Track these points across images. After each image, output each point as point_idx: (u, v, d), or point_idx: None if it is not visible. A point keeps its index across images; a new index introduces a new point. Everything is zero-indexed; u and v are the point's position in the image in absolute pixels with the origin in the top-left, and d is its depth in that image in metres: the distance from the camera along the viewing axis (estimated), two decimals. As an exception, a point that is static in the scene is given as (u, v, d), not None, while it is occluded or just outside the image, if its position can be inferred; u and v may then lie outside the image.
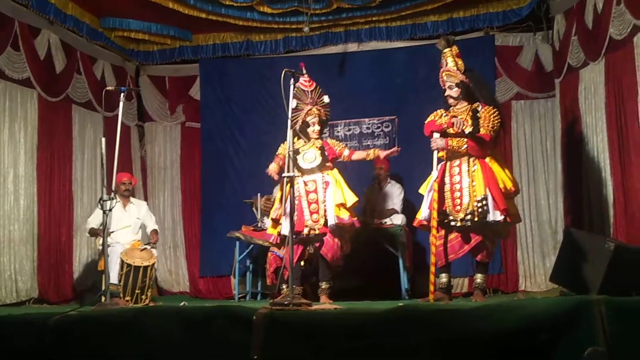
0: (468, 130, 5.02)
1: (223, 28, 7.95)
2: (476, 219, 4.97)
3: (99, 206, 4.56)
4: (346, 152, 5.75)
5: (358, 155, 5.79)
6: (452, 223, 5.09)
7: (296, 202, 5.50)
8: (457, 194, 5.08)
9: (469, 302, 4.94)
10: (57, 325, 3.33)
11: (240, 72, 8.17)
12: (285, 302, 3.62)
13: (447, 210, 5.09)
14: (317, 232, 5.47)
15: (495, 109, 5.12)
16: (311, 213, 5.49)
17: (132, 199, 6.98)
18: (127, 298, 5.69)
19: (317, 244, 5.54)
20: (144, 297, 5.78)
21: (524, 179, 7.39)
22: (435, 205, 5.01)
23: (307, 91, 5.65)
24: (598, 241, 4.88)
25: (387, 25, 7.85)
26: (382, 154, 5.77)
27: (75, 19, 7.05)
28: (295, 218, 5.40)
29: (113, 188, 4.84)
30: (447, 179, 5.14)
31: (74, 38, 7.27)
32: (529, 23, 7.44)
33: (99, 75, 7.74)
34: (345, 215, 5.43)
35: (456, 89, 5.15)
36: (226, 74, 8.20)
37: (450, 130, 5.06)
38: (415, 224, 5.42)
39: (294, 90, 4.50)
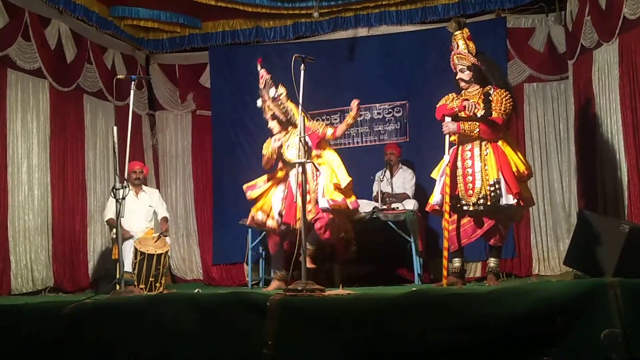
0: (480, 113, 4.98)
1: (232, 15, 7.93)
2: (489, 203, 4.94)
3: (112, 195, 4.58)
4: (329, 132, 5.68)
5: (340, 129, 5.72)
6: (465, 207, 5.06)
7: (285, 192, 5.53)
8: (470, 178, 5.05)
9: (482, 287, 4.93)
10: (72, 314, 3.36)
11: (250, 59, 8.11)
12: (299, 288, 3.62)
13: (460, 194, 5.06)
14: (308, 221, 5.45)
15: (507, 92, 5.07)
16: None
17: (144, 187, 7.02)
18: (142, 286, 5.71)
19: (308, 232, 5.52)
20: (158, 284, 5.80)
21: (537, 162, 7.35)
22: (448, 190, 4.99)
23: (260, 88, 5.63)
24: (612, 223, 4.85)
25: (397, 9, 7.78)
26: (351, 116, 5.67)
27: (84, 8, 7.06)
28: (283, 208, 5.48)
29: (125, 177, 4.86)
30: (459, 163, 5.11)
31: (83, 27, 7.28)
32: (541, 4, 7.35)
33: (109, 64, 7.76)
34: (338, 197, 5.40)
35: (468, 72, 5.10)
36: (236, 61, 8.18)
37: (462, 114, 5.02)
38: (427, 208, 5.40)
39: (300, 77, 4.45)
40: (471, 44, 5.13)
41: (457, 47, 5.14)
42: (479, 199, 4.97)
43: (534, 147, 7.44)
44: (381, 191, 6.82)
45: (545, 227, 7.36)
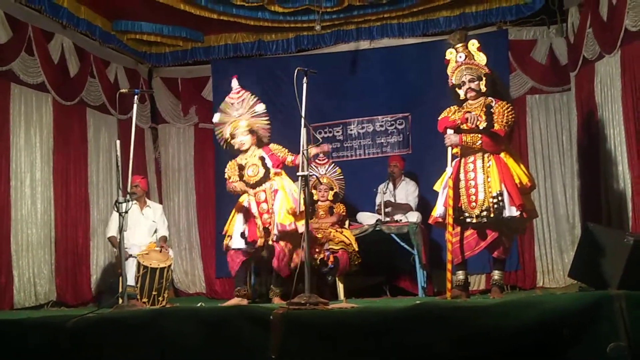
0: (482, 125, 4.98)
1: (234, 28, 7.96)
2: (492, 215, 4.92)
3: (115, 208, 4.57)
4: (290, 158, 5.69)
5: (299, 158, 5.71)
6: (468, 220, 5.05)
7: (247, 213, 5.53)
8: (472, 190, 5.04)
9: (487, 299, 4.90)
10: (75, 328, 3.35)
11: (253, 72, 8.16)
12: (302, 302, 3.60)
13: (463, 206, 5.05)
14: (270, 242, 5.47)
15: (509, 105, 5.08)
16: (264, 223, 5.49)
17: (149, 202, 7.02)
18: (144, 300, 5.70)
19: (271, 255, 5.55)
20: (160, 298, 5.79)
21: (540, 174, 7.33)
22: (451, 202, 4.98)
23: (234, 103, 5.71)
24: (617, 235, 4.82)
25: (399, 22, 7.81)
26: (313, 150, 5.54)
27: (87, 22, 7.09)
28: (246, 229, 5.47)
29: (128, 190, 4.86)
30: (461, 176, 5.10)
31: (86, 42, 7.31)
32: (543, 16, 7.37)
33: (112, 78, 7.78)
34: (287, 222, 5.39)
35: (477, 82, 5.10)
36: (238, 74, 8.18)
37: (464, 126, 5.02)
38: (430, 221, 5.38)
39: (303, 90, 4.45)
40: (482, 55, 5.13)
41: (464, 58, 5.14)
42: (482, 211, 4.96)
43: (536, 158, 7.43)
44: (384, 203, 6.81)
45: (549, 239, 7.33)
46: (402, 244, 6.49)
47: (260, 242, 5.49)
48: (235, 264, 5.63)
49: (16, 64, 6.31)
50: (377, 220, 6.63)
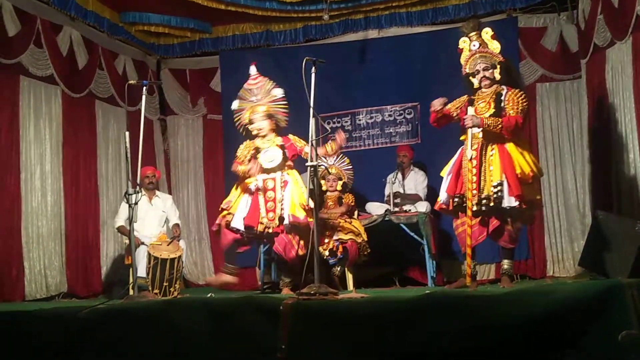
0: (490, 112, 4.94)
1: (242, 19, 7.94)
2: (491, 204, 4.87)
3: (125, 200, 4.59)
4: (307, 149, 5.66)
5: (319, 151, 5.50)
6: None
7: (251, 197, 5.52)
8: (474, 178, 4.99)
9: (496, 289, 4.88)
10: (86, 319, 3.36)
11: (261, 62, 8.13)
12: (312, 292, 3.61)
13: (464, 194, 5.02)
14: (271, 230, 5.45)
15: (521, 92, 5.03)
16: (267, 211, 5.48)
17: (157, 192, 7.04)
18: (156, 291, 5.73)
19: (270, 243, 5.57)
20: (172, 289, 5.82)
21: (550, 163, 7.29)
22: (470, 186, 4.89)
23: (253, 89, 5.71)
24: (628, 224, 4.79)
25: (408, 11, 7.76)
26: (338, 141, 5.58)
27: (95, 14, 7.11)
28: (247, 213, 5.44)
29: (138, 182, 4.88)
30: (464, 163, 5.07)
31: (95, 34, 7.32)
32: (553, 3, 7.31)
33: (120, 70, 7.79)
34: (301, 215, 5.37)
35: (491, 70, 5.05)
36: (246, 65, 8.12)
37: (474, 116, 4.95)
38: (435, 207, 5.35)
39: (311, 80, 4.41)
40: (496, 43, 5.09)
41: (478, 47, 5.10)
42: (481, 199, 4.92)
43: (547, 147, 7.38)
44: (393, 193, 6.80)
45: (559, 228, 7.29)
46: (412, 234, 6.49)
47: (260, 228, 5.47)
48: (227, 240, 5.59)
49: (25, 57, 6.33)
50: (386, 211, 6.62)
